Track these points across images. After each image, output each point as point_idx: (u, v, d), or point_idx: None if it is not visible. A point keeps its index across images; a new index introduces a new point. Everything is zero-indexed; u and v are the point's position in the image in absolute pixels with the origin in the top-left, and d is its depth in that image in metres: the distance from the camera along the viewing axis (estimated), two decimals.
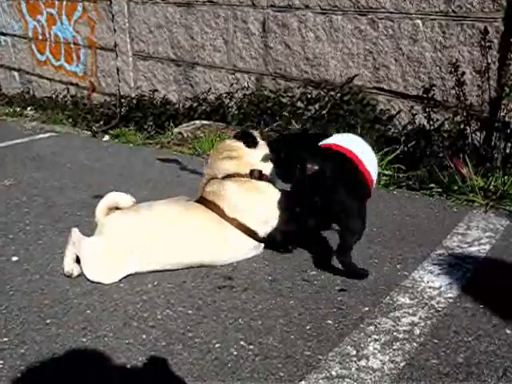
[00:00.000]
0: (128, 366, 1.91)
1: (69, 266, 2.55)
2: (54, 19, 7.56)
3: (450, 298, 2.27)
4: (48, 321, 2.21)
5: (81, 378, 1.88)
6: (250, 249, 2.67)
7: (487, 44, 3.58)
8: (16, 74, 8.74)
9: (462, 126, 3.74)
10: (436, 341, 1.99)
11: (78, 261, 2.58)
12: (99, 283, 2.48)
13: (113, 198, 2.65)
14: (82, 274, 2.55)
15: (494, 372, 1.81)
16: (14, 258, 2.79)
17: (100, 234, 2.56)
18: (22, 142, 5.58)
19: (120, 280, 2.51)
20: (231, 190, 2.65)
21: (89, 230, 2.68)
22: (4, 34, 8.67)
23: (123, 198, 2.66)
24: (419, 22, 4.01)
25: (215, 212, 2.59)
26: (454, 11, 3.79)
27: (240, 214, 2.60)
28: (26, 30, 8.18)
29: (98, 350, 2.01)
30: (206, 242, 2.58)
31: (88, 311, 2.27)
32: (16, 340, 2.08)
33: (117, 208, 2.63)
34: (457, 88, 3.67)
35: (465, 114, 3.70)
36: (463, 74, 3.66)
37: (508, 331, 2.03)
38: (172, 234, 2.52)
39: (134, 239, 2.49)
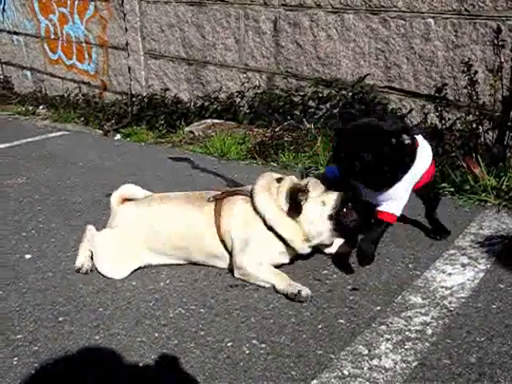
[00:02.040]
0: (140, 364, 1.93)
1: (80, 261, 2.61)
2: (66, 18, 7.60)
3: (463, 297, 2.26)
4: (61, 318, 2.23)
5: (93, 375, 1.89)
6: None
7: (500, 43, 3.55)
8: (28, 72, 8.80)
9: (474, 126, 3.71)
10: (448, 341, 1.98)
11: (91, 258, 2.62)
12: (111, 280, 2.50)
13: (127, 189, 2.72)
14: (93, 271, 2.57)
15: (507, 373, 1.80)
16: (27, 256, 2.82)
17: (112, 224, 2.65)
18: (35, 140, 5.62)
19: (131, 273, 2.55)
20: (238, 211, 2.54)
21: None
22: (17, 34, 8.73)
23: (137, 191, 2.73)
24: (431, 20, 3.99)
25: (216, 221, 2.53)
26: (466, 10, 3.76)
27: (228, 233, 2.51)
28: (38, 29, 8.23)
29: (110, 348, 2.02)
30: (202, 243, 2.55)
31: (101, 309, 2.29)
32: (29, 337, 2.10)
33: (131, 199, 2.70)
34: (469, 87, 3.64)
35: (477, 113, 3.68)
36: (476, 73, 3.63)
37: None
38: (176, 229, 2.54)
39: (142, 231, 2.55)
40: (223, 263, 2.57)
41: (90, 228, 2.72)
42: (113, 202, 2.69)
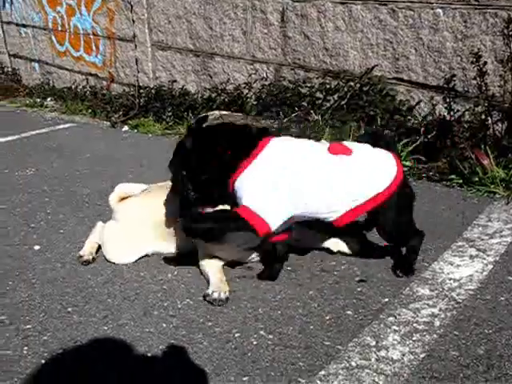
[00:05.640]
0: (148, 355, 1.93)
1: (83, 250, 2.67)
2: (74, 10, 7.59)
3: (471, 289, 2.25)
4: (70, 309, 2.25)
5: (102, 365, 1.90)
6: None
7: (510, 33, 3.51)
8: (36, 65, 8.81)
9: (483, 117, 3.69)
10: (456, 333, 1.97)
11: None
12: (119, 271, 2.52)
13: (122, 188, 2.75)
14: (100, 263, 2.59)
15: None
16: (36, 247, 2.84)
17: (114, 219, 2.68)
18: (43, 132, 5.65)
19: (136, 261, 2.61)
20: None
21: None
22: (25, 26, 8.74)
23: (132, 187, 2.75)
24: (440, 11, 3.96)
25: None
26: (476, 0, 3.73)
27: None
28: (45, 21, 8.23)
29: (118, 338, 2.04)
30: None
31: (109, 300, 2.30)
32: (39, 327, 2.12)
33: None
34: (478, 78, 3.61)
35: (486, 104, 3.65)
36: (485, 63, 3.60)
37: None
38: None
39: (141, 223, 2.56)
40: None
41: (100, 223, 2.78)
42: (111, 202, 2.70)
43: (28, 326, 2.13)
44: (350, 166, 2.18)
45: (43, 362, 1.92)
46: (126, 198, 2.71)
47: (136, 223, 2.58)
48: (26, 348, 1.99)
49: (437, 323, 2.03)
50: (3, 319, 2.18)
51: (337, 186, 2.15)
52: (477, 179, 3.36)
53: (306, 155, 2.19)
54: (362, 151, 2.25)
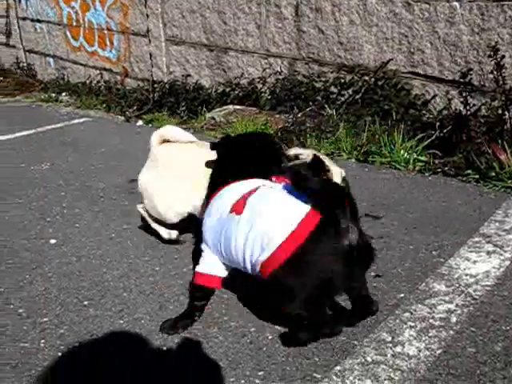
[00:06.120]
0: (164, 348, 1.94)
1: (163, 233, 2.71)
2: (88, 5, 7.61)
3: (488, 285, 2.23)
4: (86, 302, 2.26)
5: (117, 358, 1.91)
6: None
7: None
8: (51, 60, 8.86)
9: (500, 111, 3.65)
10: (473, 329, 1.96)
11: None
12: (135, 265, 2.52)
13: (170, 130, 2.70)
14: (117, 257, 2.60)
15: None
16: (52, 241, 2.86)
17: (150, 165, 2.62)
18: (58, 127, 5.68)
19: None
20: None
21: (124, 212, 2.73)
22: (40, 21, 8.78)
23: (181, 133, 2.67)
24: (456, 4, 3.91)
25: None
26: None
27: None
28: (60, 16, 8.27)
29: (134, 332, 2.04)
30: None
31: (124, 294, 2.31)
32: (56, 320, 2.14)
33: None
34: (495, 72, 3.57)
35: (503, 98, 3.61)
36: (503, 57, 3.55)
37: None
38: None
39: (180, 173, 2.49)
40: None
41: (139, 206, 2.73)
42: (152, 142, 2.61)
43: (45, 319, 2.15)
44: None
45: (60, 354, 1.93)
46: (168, 142, 2.61)
47: (176, 172, 2.49)
48: (43, 341, 2.01)
49: (453, 319, 2.02)
50: (20, 312, 2.20)
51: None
52: (494, 174, 3.32)
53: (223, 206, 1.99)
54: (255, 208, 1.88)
